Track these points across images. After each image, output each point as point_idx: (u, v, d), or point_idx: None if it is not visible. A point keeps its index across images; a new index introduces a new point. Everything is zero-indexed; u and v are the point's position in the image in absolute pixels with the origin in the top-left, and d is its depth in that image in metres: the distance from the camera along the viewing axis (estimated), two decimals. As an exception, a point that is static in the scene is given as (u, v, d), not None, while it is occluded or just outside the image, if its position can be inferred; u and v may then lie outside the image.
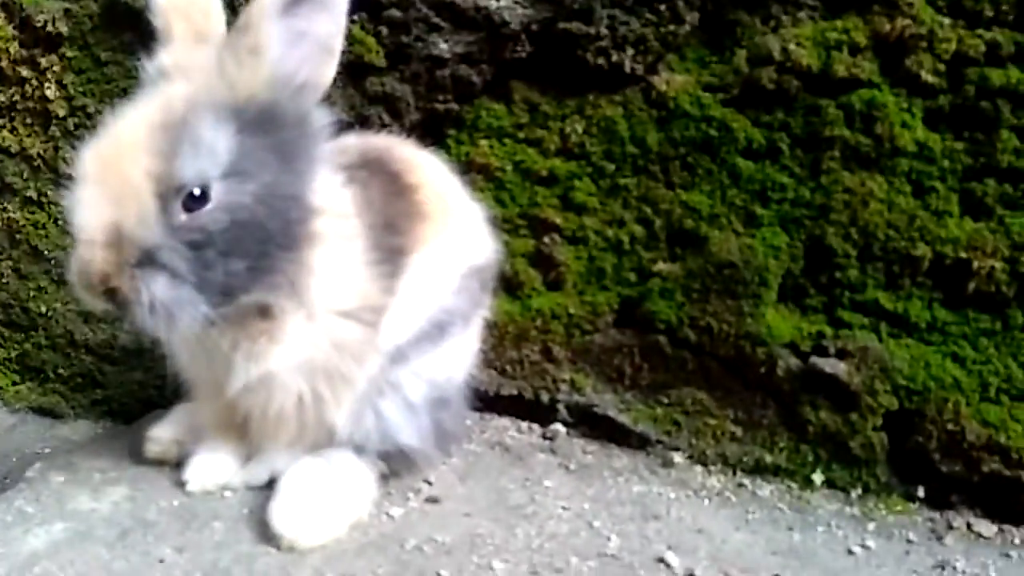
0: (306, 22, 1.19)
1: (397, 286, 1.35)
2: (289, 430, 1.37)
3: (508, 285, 1.71)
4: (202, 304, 1.16)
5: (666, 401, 1.67)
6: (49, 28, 1.86)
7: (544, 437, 1.73)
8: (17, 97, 1.91)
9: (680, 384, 1.66)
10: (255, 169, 1.18)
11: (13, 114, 1.92)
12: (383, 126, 1.71)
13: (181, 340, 1.33)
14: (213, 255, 1.16)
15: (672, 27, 1.58)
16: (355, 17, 1.65)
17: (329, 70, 1.26)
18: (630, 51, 1.59)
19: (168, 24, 1.25)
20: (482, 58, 1.66)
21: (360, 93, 1.72)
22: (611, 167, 1.65)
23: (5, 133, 1.94)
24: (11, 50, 1.90)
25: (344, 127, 1.37)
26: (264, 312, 1.25)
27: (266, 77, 1.20)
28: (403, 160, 1.47)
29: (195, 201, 1.14)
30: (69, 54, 1.86)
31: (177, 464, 1.47)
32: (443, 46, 1.67)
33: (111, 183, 1.13)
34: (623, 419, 1.68)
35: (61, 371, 2.04)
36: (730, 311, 1.59)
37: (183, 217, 1.14)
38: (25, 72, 1.90)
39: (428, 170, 1.49)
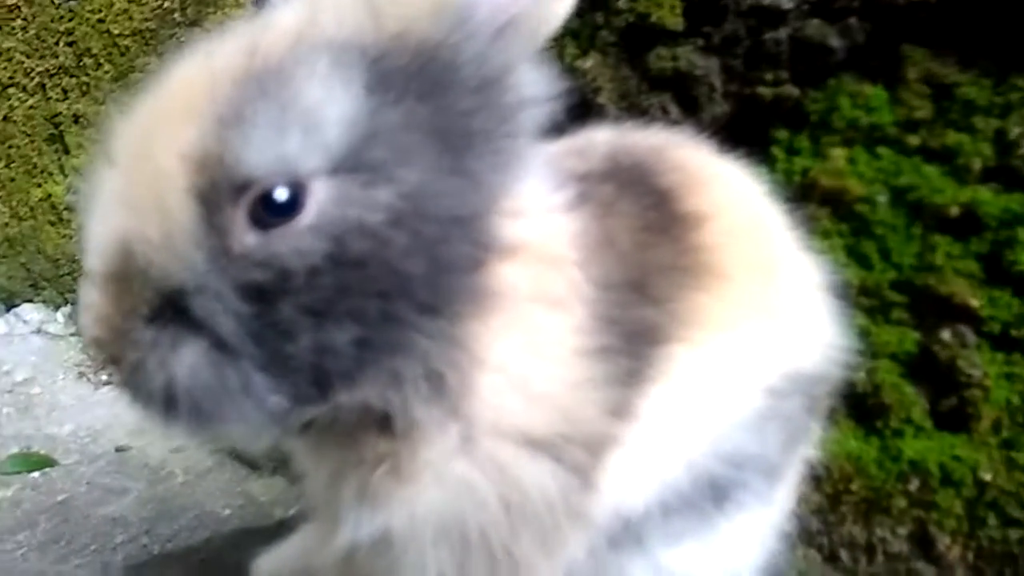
0: None
1: (639, 402, 0.70)
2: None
3: (864, 410, 0.95)
4: (271, 398, 0.62)
5: None
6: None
7: None
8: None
9: None
10: (394, 161, 0.63)
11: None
12: (670, 123, 1.06)
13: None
14: (294, 312, 0.61)
15: None
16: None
17: (561, 2, 0.67)
18: None
19: None
20: (850, 4, 0.95)
21: (637, 71, 1.10)
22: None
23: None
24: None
25: (574, 117, 0.74)
26: (384, 424, 0.68)
27: (434, 2, 0.64)
28: (681, 171, 0.81)
29: (273, 211, 0.61)
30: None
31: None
32: (782, -11, 0.99)
33: (131, 176, 0.63)
34: None
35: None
36: None
37: (247, 239, 0.61)
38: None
39: (726, 192, 0.83)
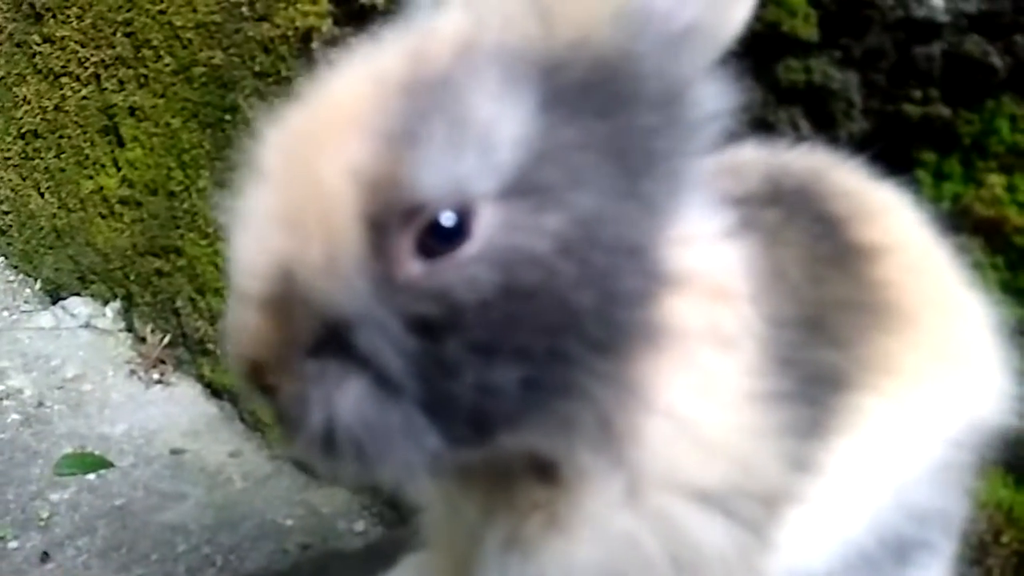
0: None
1: (824, 456, 0.64)
2: None
3: (1016, 457, 0.88)
4: (430, 439, 0.57)
5: None
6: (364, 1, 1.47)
7: None
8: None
9: None
10: (567, 184, 0.57)
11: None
12: (800, 139, 1.00)
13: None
14: (460, 348, 0.55)
15: None
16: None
17: (740, 7, 0.61)
18: None
19: None
20: (1017, 20, 0.88)
21: (765, 83, 1.03)
22: None
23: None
24: (323, 28, 1.56)
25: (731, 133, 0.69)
26: (542, 469, 0.62)
27: (614, 6, 0.59)
28: (849, 198, 0.74)
29: (439, 238, 0.54)
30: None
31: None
32: (937, 1, 0.92)
33: (291, 192, 0.57)
34: None
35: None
36: None
37: (414, 268, 0.55)
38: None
39: (899, 222, 0.76)
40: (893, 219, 0.74)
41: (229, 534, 1.56)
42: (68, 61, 2.57)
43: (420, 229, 0.55)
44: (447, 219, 0.54)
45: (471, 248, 0.55)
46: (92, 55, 2.46)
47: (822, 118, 1.00)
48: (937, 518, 0.70)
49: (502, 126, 0.56)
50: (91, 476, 1.71)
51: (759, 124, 1.02)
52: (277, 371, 0.57)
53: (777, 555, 0.64)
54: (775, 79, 1.03)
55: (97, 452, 1.79)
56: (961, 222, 0.91)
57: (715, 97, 0.62)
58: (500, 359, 0.56)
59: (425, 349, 0.55)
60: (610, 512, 0.62)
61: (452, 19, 0.61)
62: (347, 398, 0.56)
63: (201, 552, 1.50)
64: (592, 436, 0.60)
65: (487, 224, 0.55)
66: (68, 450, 1.80)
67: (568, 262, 0.56)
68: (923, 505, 0.68)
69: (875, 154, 0.86)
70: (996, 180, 0.90)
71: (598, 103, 0.59)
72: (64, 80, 2.60)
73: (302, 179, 0.57)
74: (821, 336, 0.66)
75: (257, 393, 0.59)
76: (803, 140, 0.97)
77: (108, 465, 1.75)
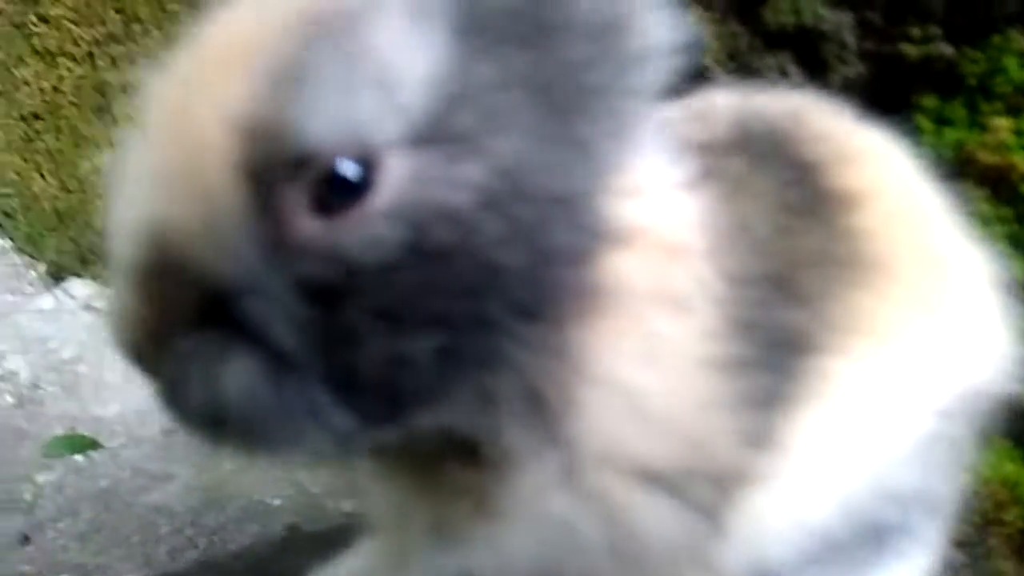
0: None
1: (784, 429, 0.57)
2: None
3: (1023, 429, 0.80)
4: (336, 418, 0.51)
5: None
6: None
7: None
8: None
9: None
10: (487, 128, 0.50)
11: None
12: (790, 86, 0.91)
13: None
14: (364, 315, 0.49)
15: None
16: None
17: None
18: None
19: None
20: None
21: (749, 27, 0.95)
22: None
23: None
24: None
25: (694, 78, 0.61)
26: (467, 450, 0.56)
27: None
28: (826, 141, 0.67)
29: (338, 192, 0.48)
30: None
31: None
32: (936, -74, 0.83)
33: (166, 148, 0.51)
34: None
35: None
36: None
37: (308, 226, 0.49)
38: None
39: (883, 167, 0.69)
40: (875, 164, 0.67)
41: (215, 515, 1.52)
42: (63, 40, 2.54)
43: (314, 182, 0.48)
44: (346, 169, 0.48)
45: (376, 203, 0.48)
46: (85, 33, 2.43)
47: (813, 63, 0.91)
48: (919, 500, 0.62)
49: (409, 61, 0.49)
50: (79, 457, 1.68)
51: (745, 70, 0.94)
52: (156, 351, 0.51)
53: (732, 543, 0.57)
54: (761, 22, 0.95)
55: (88, 433, 1.77)
56: (965, 171, 0.82)
57: (662, 27, 0.55)
58: (411, 327, 0.50)
59: (324, 318, 0.49)
60: (543, 495, 0.56)
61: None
62: (233, 375, 0.50)
63: (184, 534, 1.47)
64: (521, 411, 0.54)
65: (394, 176, 0.48)
66: (59, 432, 1.78)
67: (490, 217, 0.49)
68: (903, 485, 0.61)
69: (871, 99, 0.77)
70: (1002, 124, 0.82)
71: (521, 33, 0.51)
72: (61, 60, 2.57)
73: (177, 131, 0.50)
74: (787, 294, 0.59)
75: (143, 376, 0.54)
76: (794, 87, 0.89)
77: (98, 446, 1.72)
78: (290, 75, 0.47)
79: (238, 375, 0.49)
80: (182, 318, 0.50)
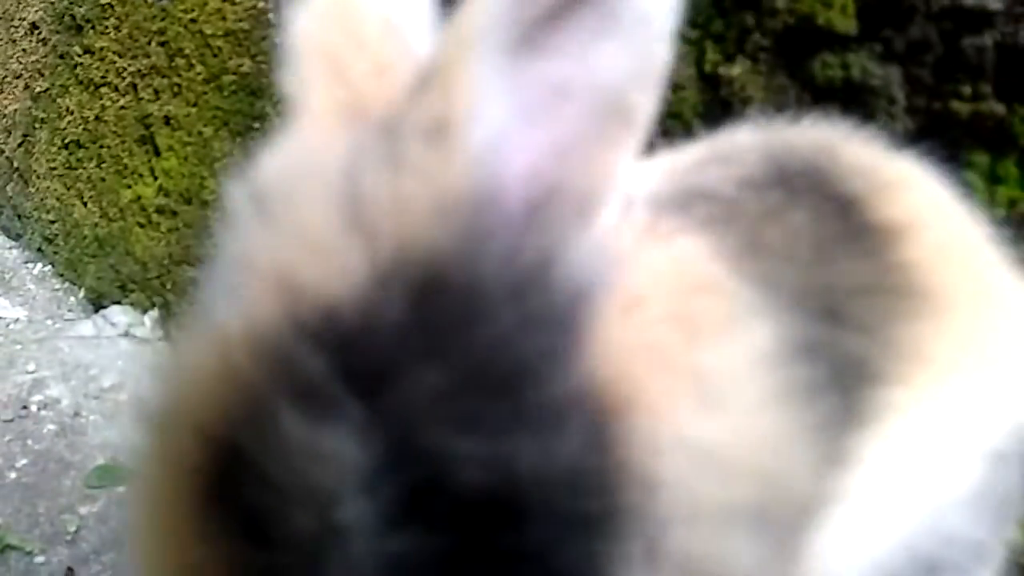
0: (572, 63, 0.45)
1: (853, 456, 0.57)
2: None
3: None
4: None
5: None
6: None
7: None
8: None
9: None
10: None
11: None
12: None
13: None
14: None
15: None
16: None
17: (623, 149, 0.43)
18: None
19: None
20: (1082, 5, 0.79)
21: (796, 81, 0.95)
22: None
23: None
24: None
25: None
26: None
27: (464, 176, 0.41)
28: (864, 176, 0.66)
29: None
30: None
31: None
32: (988, -14, 0.83)
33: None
34: None
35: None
36: None
37: None
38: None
39: (924, 198, 0.68)
40: (917, 195, 0.66)
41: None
42: (107, 72, 2.60)
43: None
44: None
45: None
46: (129, 65, 2.48)
47: (862, 118, 0.92)
48: (973, 544, 0.61)
49: None
50: (121, 489, 1.70)
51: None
52: None
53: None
54: (810, 76, 0.95)
55: (129, 464, 1.79)
56: (1019, 230, 0.82)
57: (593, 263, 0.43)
58: None
59: None
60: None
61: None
62: None
63: (226, 569, 1.48)
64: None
65: None
66: (100, 461, 1.80)
67: None
68: (959, 527, 0.60)
69: (921, 156, 0.78)
70: (1057, 184, 0.81)
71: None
72: (103, 90, 2.63)
73: None
74: (838, 320, 0.58)
75: None
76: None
77: (139, 477, 1.74)
78: None
79: None
80: None
